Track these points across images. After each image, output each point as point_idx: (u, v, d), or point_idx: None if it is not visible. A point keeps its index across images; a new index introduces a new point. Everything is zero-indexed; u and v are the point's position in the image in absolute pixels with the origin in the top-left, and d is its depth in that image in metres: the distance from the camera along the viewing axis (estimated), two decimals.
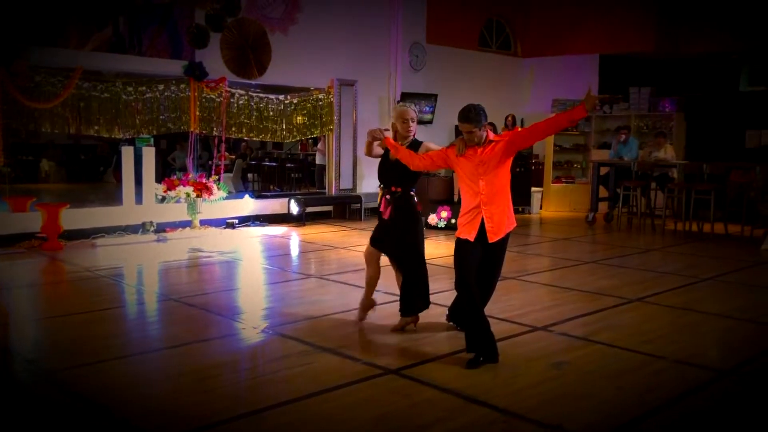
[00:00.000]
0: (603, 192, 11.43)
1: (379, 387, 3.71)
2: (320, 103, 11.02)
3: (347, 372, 3.92)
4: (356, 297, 5.85)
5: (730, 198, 9.63)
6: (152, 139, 9.47)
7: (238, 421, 3.25)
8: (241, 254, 8.15)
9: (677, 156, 11.20)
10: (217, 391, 3.73)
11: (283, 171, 14.94)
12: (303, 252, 8.57)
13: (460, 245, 4.27)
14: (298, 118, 10.90)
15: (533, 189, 12.48)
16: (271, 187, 14.70)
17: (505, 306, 5.47)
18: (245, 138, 11.66)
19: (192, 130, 9.70)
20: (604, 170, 11.44)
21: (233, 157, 15.17)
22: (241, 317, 5.22)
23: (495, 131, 10.15)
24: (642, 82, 13.01)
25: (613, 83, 13.39)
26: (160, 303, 5.89)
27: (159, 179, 9.47)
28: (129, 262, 7.61)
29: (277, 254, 8.37)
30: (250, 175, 15.63)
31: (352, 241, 8.97)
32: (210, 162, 13.31)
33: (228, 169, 14.24)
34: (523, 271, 7.05)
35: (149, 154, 9.34)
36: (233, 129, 10.17)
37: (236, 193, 11.83)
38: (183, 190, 9.12)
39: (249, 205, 10.49)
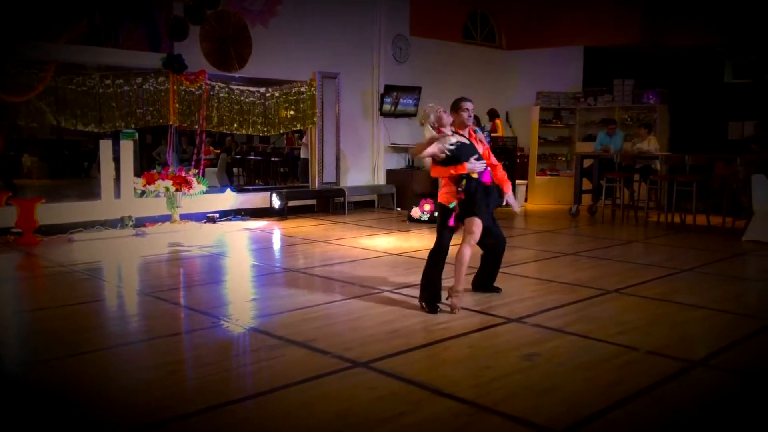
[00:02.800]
0: (587, 184, 11.42)
1: (345, 380, 3.65)
2: (302, 96, 10.92)
3: (315, 365, 3.85)
4: (334, 290, 5.81)
5: (714, 190, 9.62)
6: (137, 134, 9.35)
7: (196, 417, 3.19)
8: (219, 248, 8.07)
9: (661, 148, 11.18)
10: (182, 385, 3.68)
11: (269, 165, 14.85)
12: (282, 246, 8.50)
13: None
14: (281, 111, 10.81)
15: (518, 182, 12.40)
16: (257, 181, 14.61)
17: (481, 298, 5.43)
18: (227, 132, 11.56)
19: (171, 123, 9.60)
20: (588, 163, 11.42)
21: (218, 151, 15.06)
22: (214, 311, 5.14)
23: (479, 124, 10.11)
24: (626, 74, 12.99)
25: (598, 75, 13.38)
26: (133, 297, 5.81)
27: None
28: (105, 257, 7.52)
29: (255, 248, 8.30)
30: (235, 170, 15.52)
31: (333, 235, 8.91)
32: (195, 156, 13.21)
33: (213, 164, 14.15)
34: (503, 263, 6.97)
35: (128, 148, 9.22)
36: (214, 122, 10.07)
37: (220, 188, 11.73)
38: (162, 184, 9.03)
39: (230, 199, 10.40)
